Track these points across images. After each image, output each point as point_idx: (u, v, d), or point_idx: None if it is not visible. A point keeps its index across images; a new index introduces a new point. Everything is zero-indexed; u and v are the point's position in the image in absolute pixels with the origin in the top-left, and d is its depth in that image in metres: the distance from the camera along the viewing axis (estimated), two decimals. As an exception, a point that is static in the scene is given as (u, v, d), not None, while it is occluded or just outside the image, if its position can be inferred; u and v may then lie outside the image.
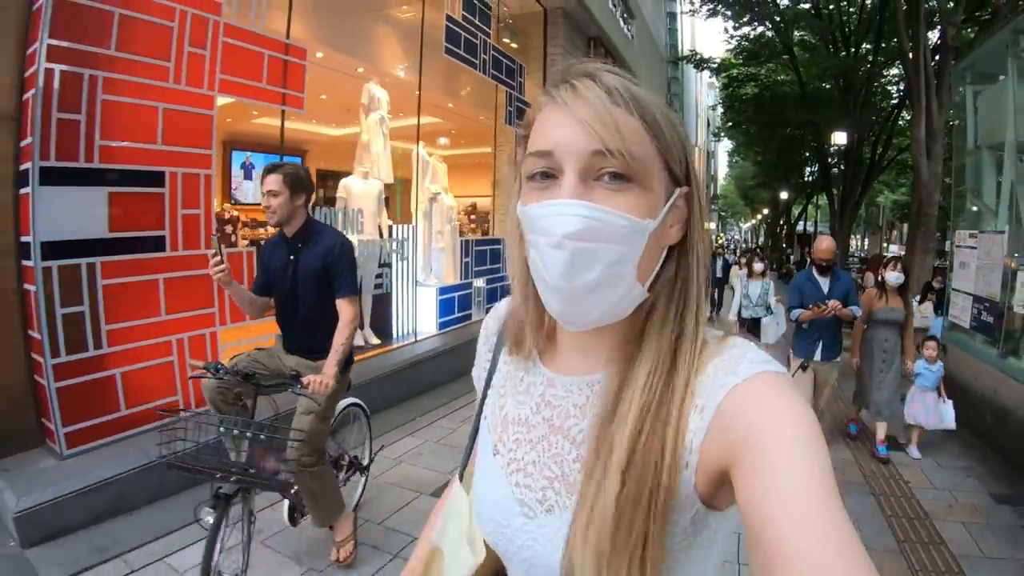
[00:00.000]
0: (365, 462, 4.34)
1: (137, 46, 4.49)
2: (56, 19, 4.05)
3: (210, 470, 2.88)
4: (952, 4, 12.75)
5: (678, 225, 0.84)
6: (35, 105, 3.99)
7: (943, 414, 5.76)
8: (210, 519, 2.84)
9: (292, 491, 3.40)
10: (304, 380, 3.08)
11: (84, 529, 3.89)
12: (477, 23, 8.84)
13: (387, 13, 9.04)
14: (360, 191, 7.20)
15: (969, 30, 15.10)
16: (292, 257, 3.51)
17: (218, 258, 3.20)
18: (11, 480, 3.90)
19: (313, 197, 3.74)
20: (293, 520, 3.73)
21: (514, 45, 10.66)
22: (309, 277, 3.47)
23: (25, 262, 4.14)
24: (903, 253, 16.30)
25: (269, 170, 3.44)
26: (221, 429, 3.00)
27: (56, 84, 4.07)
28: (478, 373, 1.10)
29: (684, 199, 0.83)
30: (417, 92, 8.37)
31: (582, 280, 0.76)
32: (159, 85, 4.63)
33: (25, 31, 4.19)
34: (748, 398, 0.72)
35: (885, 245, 42.62)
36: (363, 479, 4.37)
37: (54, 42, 4.05)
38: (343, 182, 7.27)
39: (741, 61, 23.09)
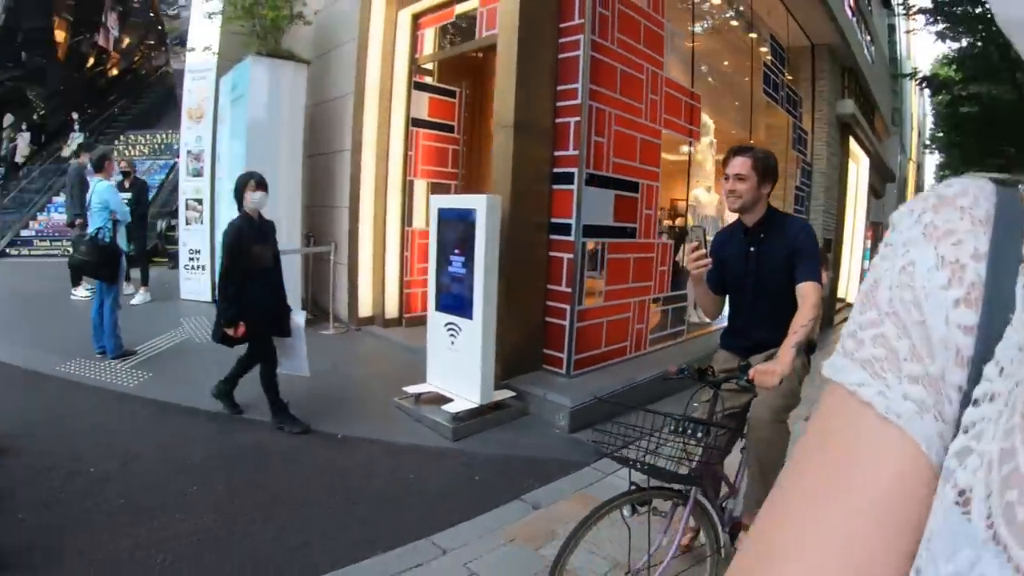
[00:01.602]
0: None
1: (628, 92, 6.29)
2: (592, 70, 5.84)
3: (624, 458, 2.62)
4: None
5: None
6: (580, 129, 5.76)
7: None
8: (626, 511, 2.66)
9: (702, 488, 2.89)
10: (751, 372, 2.76)
11: (603, 423, 5.54)
12: (778, 65, 10.40)
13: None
14: (706, 200, 8.86)
15: None
16: (753, 249, 3.25)
17: (702, 251, 2.96)
18: (547, 389, 5.59)
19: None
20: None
21: (789, 77, 12.01)
22: (775, 269, 3.16)
23: (554, 236, 5.91)
24: None
25: (736, 152, 3.23)
26: (671, 427, 2.68)
27: (593, 115, 5.85)
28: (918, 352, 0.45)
29: None
30: (750, 138, 9.93)
31: None
32: (637, 120, 6.44)
33: (556, 74, 5.98)
34: None
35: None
36: None
37: (592, 86, 5.83)
38: (694, 192, 8.88)
39: (960, 76, 22.76)
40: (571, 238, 5.78)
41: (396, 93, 7.97)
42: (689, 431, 2.65)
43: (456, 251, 5.32)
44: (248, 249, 4.89)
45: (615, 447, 2.63)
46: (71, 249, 7.01)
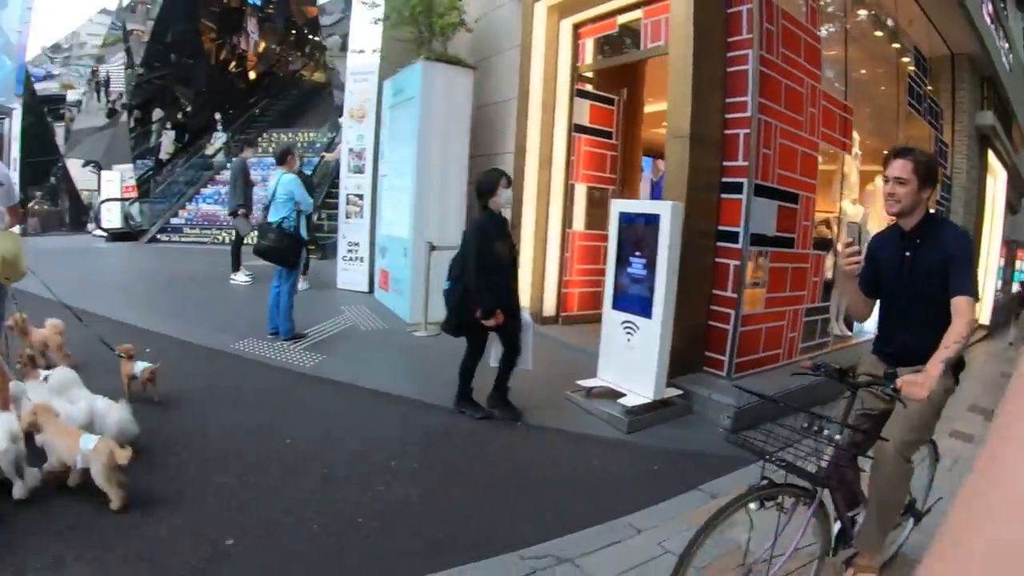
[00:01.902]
0: (921, 506, 3.69)
1: (791, 105, 6.47)
2: (761, 85, 6.05)
3: (759, 450, 2.66)
4: None
5: None
6: (749, 141, 5.98)
7: None
8: (753, 506, 2.62)
9: (831, 490, 2.91)
10: (898, 381, 2.66)
11: (763, 423, 5.74)
12: (921, 76, 10.39)
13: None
14: (852, 212, 8.92)
15: None
16: (908, 254, 3.18)
17: (856, 247, 3.07)
18: (710, 389, 5.84)
19: None
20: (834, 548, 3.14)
21: (930, 88, 11.86)
22: (929, 276, 3.07)
23: (721, 243, 6.17)
24: None
25: (897, 154, 3.13)
26: (804, 424, 2.75)
27: (761, 128, 6.06)
28: None
29: None
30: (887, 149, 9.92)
31: None
32: (798, 133, 6.60)
33: (725, 87, 6.21)
34: None
35: None
36: (911, 524, 3.68)
37: (761, 100, 6.04)
38: (843, 204, 8.95)
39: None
40: (738, 246, 6.02)
41: (559, 100, 8.37)
42: (822, 430, 2.71)
43: (636, 253, 5.64)
44: (491, 245, 5.16)
45: (752, 439, 2.67)
46: (256, 237, 7.59)
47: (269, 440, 4.81)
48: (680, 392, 5.83)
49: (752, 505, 2.61)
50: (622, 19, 7.78)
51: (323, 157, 16.92)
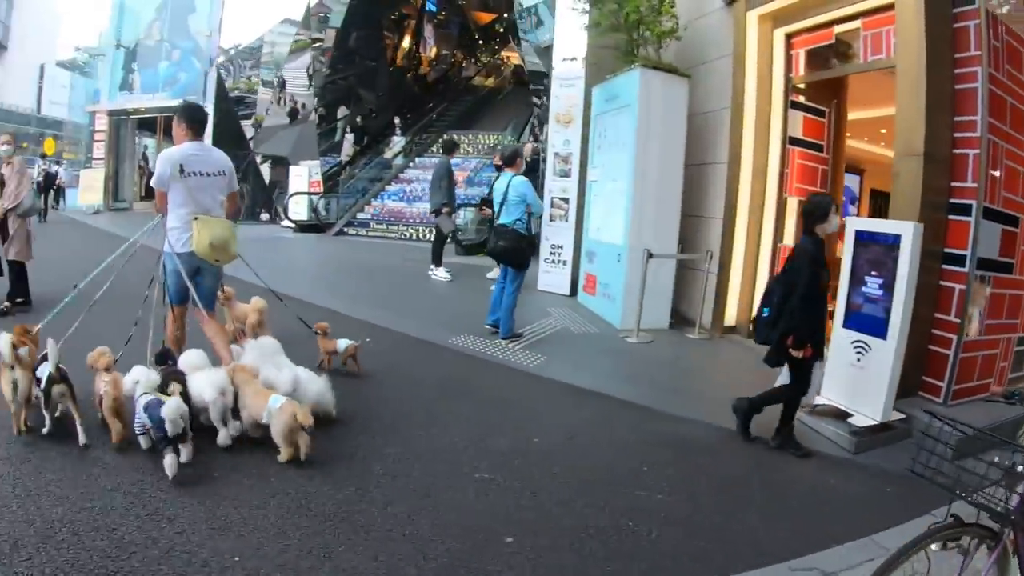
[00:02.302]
0: None
1: (1015, 124, 6.29)
2: (990, 104, 5.89)
3: (947, 485, 2.51)
4: None
5: None
6: (979, 161, 5.86)
7: None
8: (935, 547, 2.48)
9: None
10: None
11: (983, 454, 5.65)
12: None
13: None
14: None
15: None
16: None
17: None
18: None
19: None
20: None
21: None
22: None
23: (946, 266, 6.07)
24: None
25: None
26: (995, 459, 2.56)
27: (989, 149, 5.94)
28: None
29: None
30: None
31: None
32: (1019, 153, 6.39)
33: (953, 104, 6.09)
34: None
35: None
36: None
37: (991, 120, 5.90)
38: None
39: None
40: (964, 269, 5.92)
41: (774, 111, 8.36)
42: (1015, 465, 2.52)
43: (873, 272, 5.59)
44: (820, 272, 4.99)
45: (941, 473, 2.52)
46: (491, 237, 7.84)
47: (515, 438, 4.97)
48: (902, 416, 5.73)
49: (934, 546, 2.48)
50: (839, 29, 7.63)
51: None
